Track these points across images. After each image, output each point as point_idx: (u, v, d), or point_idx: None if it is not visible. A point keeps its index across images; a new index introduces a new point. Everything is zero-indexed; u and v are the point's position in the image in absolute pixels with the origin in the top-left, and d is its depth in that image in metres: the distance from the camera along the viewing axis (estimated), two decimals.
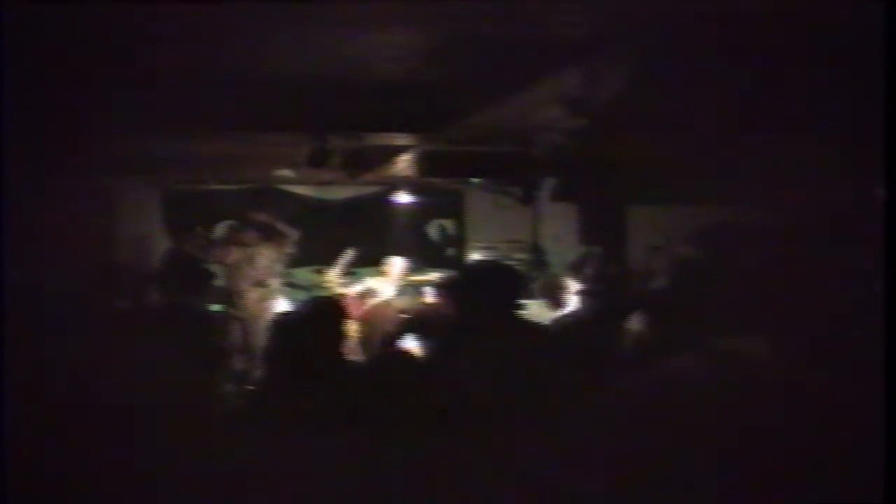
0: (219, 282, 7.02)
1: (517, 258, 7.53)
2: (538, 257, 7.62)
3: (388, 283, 7.19)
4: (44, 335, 3.00)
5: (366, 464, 2.62)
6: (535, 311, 4.97)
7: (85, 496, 2.70)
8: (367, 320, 6.62)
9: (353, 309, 6.85)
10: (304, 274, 8.22)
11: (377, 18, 3.43)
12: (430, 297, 6.48)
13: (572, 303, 5.33)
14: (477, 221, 8.96)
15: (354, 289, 7.17)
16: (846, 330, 2.57)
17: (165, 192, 8.45)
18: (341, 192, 8.74)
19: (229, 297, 7.07)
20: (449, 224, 9.56)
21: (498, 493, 2.57)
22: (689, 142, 4.93)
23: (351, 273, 7.51)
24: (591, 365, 3.22)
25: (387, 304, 6.89)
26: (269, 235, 7.40)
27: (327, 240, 7.94)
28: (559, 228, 7.29)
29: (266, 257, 7.29)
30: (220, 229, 7.49)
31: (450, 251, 9.46)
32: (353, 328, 6.64)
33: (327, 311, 3.20)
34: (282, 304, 7.03)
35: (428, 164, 6.42)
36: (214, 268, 6.96)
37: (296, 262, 7.88)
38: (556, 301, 5.42)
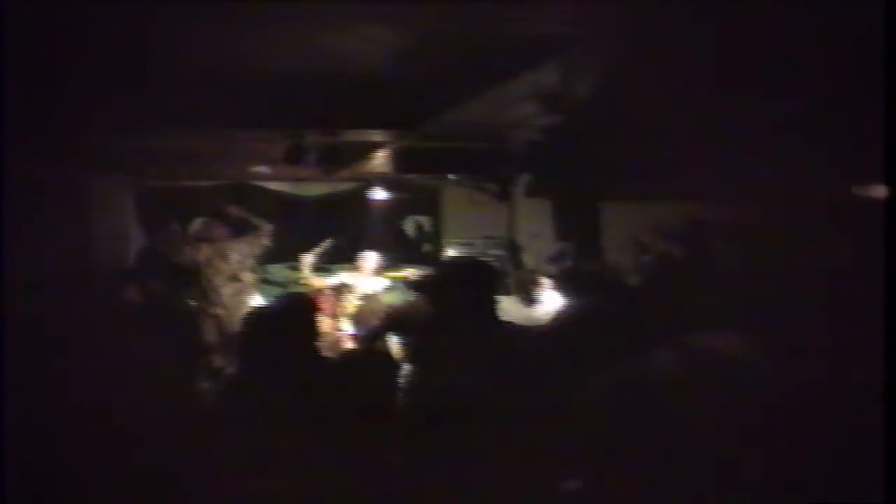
0: (193, 278, 7.03)
1: (493, 254, 7.56)
2: (514, 253, 7.66)
3: (361, 278, 7.21)
4: (19, 333, 2.98)
5: (341, 460, 2.63)
6: (509, 306, 4.99)
7: (64, 492, 2.69)
8: (353, 317, 6.65)
9: (326, 304, 6.87)
10: (279, 270, 8.22)
11: (353, 15, 3.43)
12: (409, 293, 6.50)
13: (547, 298, 5.38)
14: (453, 218, 8.97)
15: (328, 283, 7.19)
16: (846, 329, 2.60)
17: (140, 188, 8.39)
18: (317, 189, 8.72)
19: (204, 293, 7.05)
20: (425, 220, 9.57)
21: (476, 487, 2.58)
22: (673, 139, 4.95)
23: (325, 268, 7.51)
24: (570, 360, 3.23)
25: (371, 300, 6.91)
26: (241, 230, 7.39)
27: (303, 236, 7.93)
28: (535, 224, 7.32)
29: (238, 252, 7.27)
30: (194, 226, 7.46)
31: (426, 247, 9.47)
32: (329, 324, 6.66)
33: (297, 307, 3.20)
34: (258, 300, 7.02)
35: (404, 160, 6.43)
36: (187, 264, 6.96)
37: (271, 257, 7.86)
38: (530, 297, 5.46)
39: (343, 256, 7.72)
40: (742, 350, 2.31)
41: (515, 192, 7.30)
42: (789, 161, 4.43)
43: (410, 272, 7.26)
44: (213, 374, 5.46)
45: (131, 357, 3.23)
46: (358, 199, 8.75)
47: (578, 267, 4.99)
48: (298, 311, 3.14)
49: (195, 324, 6.39)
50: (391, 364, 3.54)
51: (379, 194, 8.52)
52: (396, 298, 6.71)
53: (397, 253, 8.35)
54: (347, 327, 6.89)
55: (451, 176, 7.37)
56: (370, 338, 5.42)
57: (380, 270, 7.41)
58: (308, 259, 7.35)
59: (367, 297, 7.01)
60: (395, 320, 5.05)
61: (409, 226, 9.59)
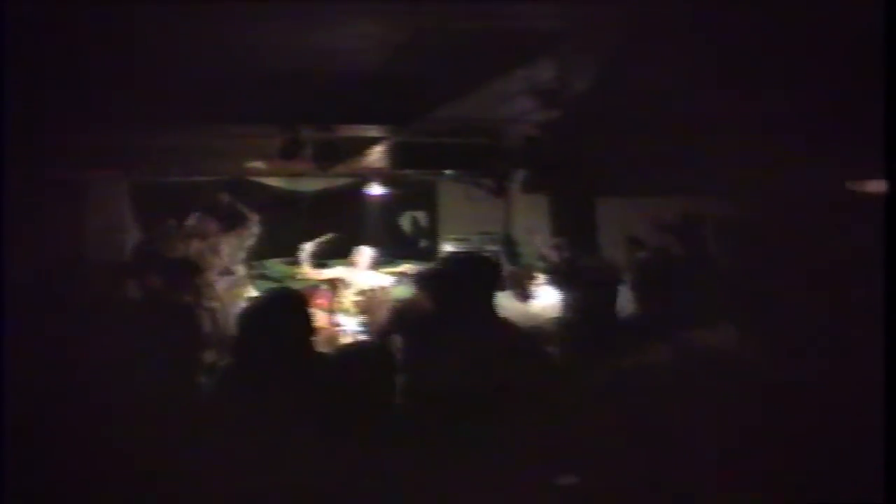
0: (188, 273, 7.01)
1: (490, 250, 7.55)
2: (510, 249, 7.65)
3: (357, 273, 7.21)
4: (14, 329, 2.98)
5: (336, 457, 2.63)
6: (505, 302, 4.99)
7: (52, 487, 2.69)
8: (358, 311, 6.65)
9: (322, 299, 6.87)
10: (275, 265, 8.20)
11: (348, 11, 3.43)
12: (410, 289, 6.50)
13: (542, 294, 5.38)
14: (449, 213, 8.97)
15: (324, 278, 7.19)
16: (847, 329, 2.60)
17: (135, 185, 8.37)
18: (313, 185, 8.70)
19: (198, 287, 7.03)
20: (421, 216, 9.56)
21: (473, 482, 2.58)
22: (670, 135, 4.96)
23: (321, 264, 7.50)
24: (569, 356, 3.23)
25: (375, 294, 6.90)
26: (231, 224, 7.36)
27: (299, 231, 7.92)
28: (531, 220, 7.32)
29: (229, 245, 7.25)
30: (188, 221, 7.44)
31: (422, 243, 9.46)
32: (325, 318, 6.66)
33: (289, 302, 3.20)
34: (252, 294, 7.00)
35: (400, 155, 6.42)
36: (181, 259, 6.95)
37: (268, 253, 7.85)
38: (525, 292, 5.46)
39: (339, 252, 7.71)
40: (740, 348, 2.31)
41: (511, 187, 7.31)
42: (789, 160, 4.45)
43: (406, 267, 7.26)
44: (208, 368, 5.45)
45: (128, 351, 3.23)
46: (354, 194, 8.74)
47: (574, 262, 4.99)
48: (291, 306, 3.14)
49: (191, 318, 6.38)
50: (388, 358, 3.54)
51: (375, 190, 8.50)
52: (404, 293, 6.69)
53: (393, 248, 8.34)
54: (343, 322, 6.88)
55: (447, 171, 7.37)
56: (380, 333, 5.41)
57: (376, 266, 7.41)
58: (304, 254, 7.34)
59: (373, 292, 7.00)
60: (403, 315, 5.03)
61: (405, 221, 9.57)
